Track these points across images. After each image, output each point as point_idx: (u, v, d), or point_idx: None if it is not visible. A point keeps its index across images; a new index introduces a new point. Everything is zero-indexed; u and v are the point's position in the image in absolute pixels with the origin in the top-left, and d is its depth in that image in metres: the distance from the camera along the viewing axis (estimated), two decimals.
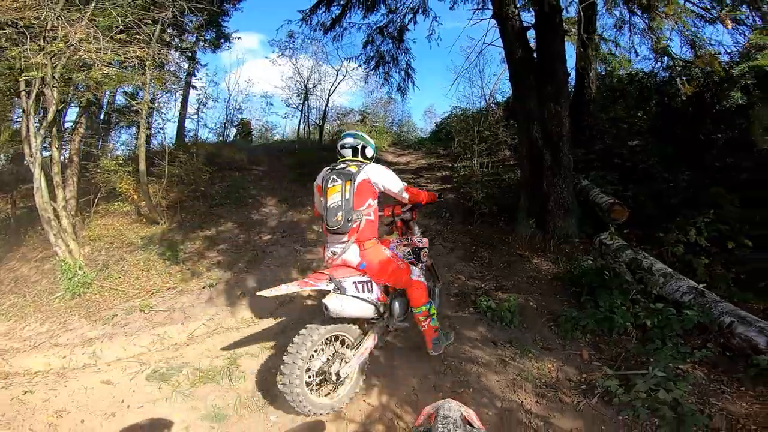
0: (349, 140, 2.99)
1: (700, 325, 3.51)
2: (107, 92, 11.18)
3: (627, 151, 7.04)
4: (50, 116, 5.69)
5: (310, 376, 2.53)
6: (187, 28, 12.88)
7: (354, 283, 2.68)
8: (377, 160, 3.22)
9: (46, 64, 5.13)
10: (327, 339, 2.64)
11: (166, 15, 7.46)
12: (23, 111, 5.59)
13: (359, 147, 2.98)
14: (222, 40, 14.51)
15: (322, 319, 2.64)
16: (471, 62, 8.21)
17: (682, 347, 3.27)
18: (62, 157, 7.86)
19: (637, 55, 7.95)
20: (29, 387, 3.14)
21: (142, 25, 5.92)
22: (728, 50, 6.57)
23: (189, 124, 14.45)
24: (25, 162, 10.04)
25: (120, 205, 8.34)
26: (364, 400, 2.92)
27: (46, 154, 6.57)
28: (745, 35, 5.92)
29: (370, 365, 3.05)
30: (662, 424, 2.54)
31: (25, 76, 5.11)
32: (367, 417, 2.77)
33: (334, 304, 2.55)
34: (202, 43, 14.47)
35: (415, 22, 8.53)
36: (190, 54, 12.68)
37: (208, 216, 8.04)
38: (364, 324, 2.94)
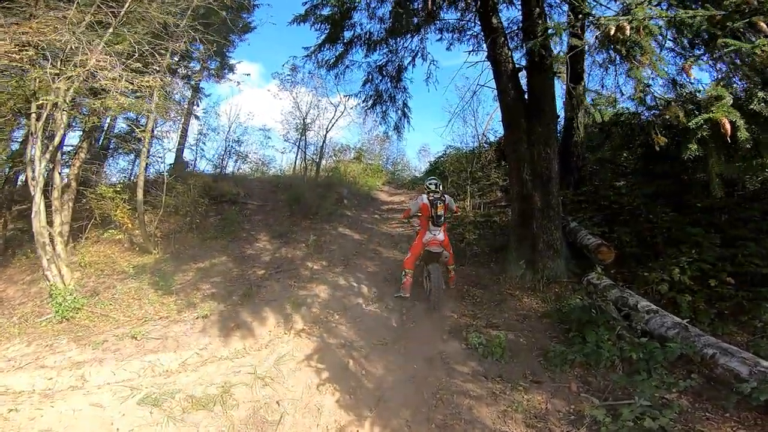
0: (435, 181, 5.73)
1: (684, 358, 3.63)
2: (107, 117, 11.52)
3: (613, 193, 7.34)
4: (56, 140, 5.81)
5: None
6: (194, 56, 13.48)
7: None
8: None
9: (59, 88, 5.31)
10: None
11: (179, 45, 7.88)
12: (31, 133, 5.64)
13: (440, 185, 5.73)
14: (226, 70, 14.81)
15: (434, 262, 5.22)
16: (466, 102, 8.67)
17: (668, 378, 3.37)
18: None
19: (623, 94, 8.45)
20: (14, 406, 3.09)
21: (156, 55, 6.21)
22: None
23: (188, 154, 14.67)
24: (18, 184, 10.13)
25: (112, 233, 8.37)
26: (357, 431, 2.93)
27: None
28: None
29: (363, 397, 3.09)
30: None
31: (43, 99, 5.22)
32: None
33: (445, 254, 5.36)
34: (206, 72, 14.98)
35: (414, 65, 9.03)
36: (194, 83, 13.14)
37: (201, 248, 8.09)
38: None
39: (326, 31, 8.26)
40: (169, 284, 5.86)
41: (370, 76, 9.57)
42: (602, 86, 9.28)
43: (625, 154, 8.97)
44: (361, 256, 7.46)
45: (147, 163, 13.51)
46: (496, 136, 13.34)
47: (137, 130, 7.99)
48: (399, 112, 9.52)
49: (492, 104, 15.43)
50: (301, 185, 11.45)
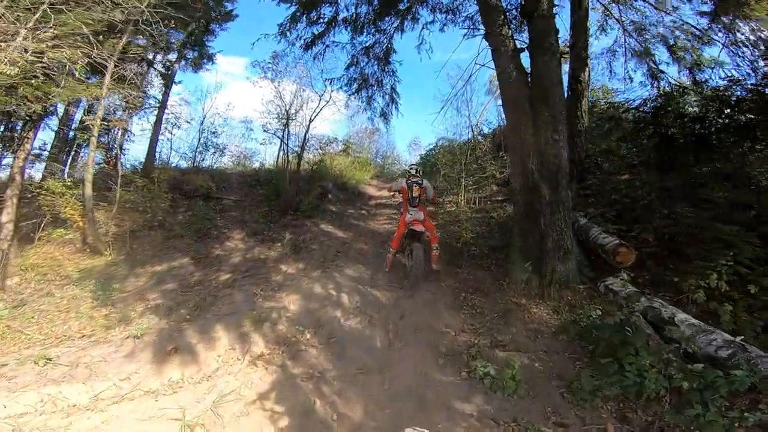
0: (415, 167, 6.00)
1: None
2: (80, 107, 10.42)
3: (625, 186, 6.51)
4: None
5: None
6: (171, 43, 12.48)
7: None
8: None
9: None
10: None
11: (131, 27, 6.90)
12: None
13: (420, 170, 5.97)
14: (204, 60, 13.76)
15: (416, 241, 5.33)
16: (459, 90, 7.78)
17: (729, 411, 2.65)
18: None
19: (632, 80, 7.68)
20: None
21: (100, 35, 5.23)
22: (728, 75, 6.39)
23: (164, 148, 13.67)
24: None
25: (61, 232, 7.31)
26: None
27: None
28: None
29: None
30: None
31: None
32: None
33: (426, 234, 5.45)
34: (183, 62, 14.06)
35: (402, 30, 8.02)
36: (164, 71, 12.07)
37: (163, 249, 7.10)
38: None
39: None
40: (108, 293, 4.89)
41: (355, 59, 8.65)
42: (611, 72, 8.50)
43: (630, 145, 8.18)
44: (344, 256, 6.53)
45: (114, 156, 12.58)
46: (490, 128, 12.52)
47: (85, 118, 6.98)
48: (386, 97, 8.60)
49: (485, 96, 14.59)
50: (282, 179, 10.44)
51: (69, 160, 12.35)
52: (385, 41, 8.49)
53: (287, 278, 5.47)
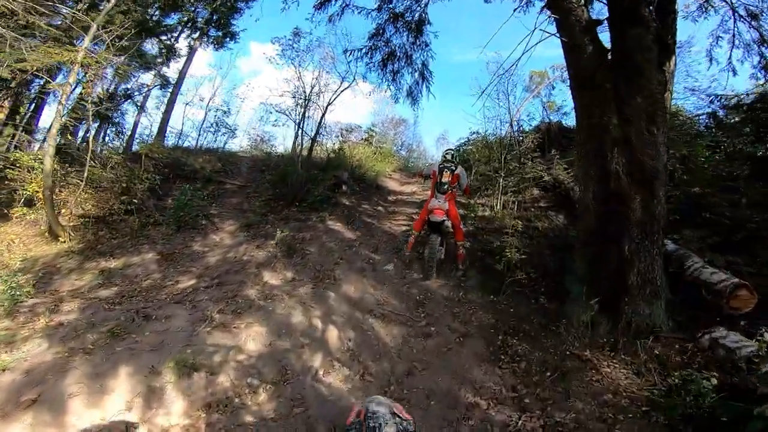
0: (451, 151, 5.52)
1: None
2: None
3: (728, 204, 4.82)
4: None
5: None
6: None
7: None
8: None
9: None
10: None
11: None
12: None
13: (456, 156, 5.56)
14: (227, 39, 13.46)
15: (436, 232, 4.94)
16: (506, 69, 6.22)
17: None
18: None
19: (735, 74, 5.93)
20: None
21: None
22: None
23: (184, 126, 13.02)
24: None
25: (25, 211, 6.24)
26: None
27: None
28: None
29: None
30: None
31: None
32: None
33: (446, 224, 4.98)
34: (204, 39, 13.29)
35: None
36: (166, 45, 11.04)
37: (133, 239, 5.91)
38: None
39: None
40: (16, 298, 3.64)
41: (381, 28, 7.16)
42: (710, 60, 6.66)
43: (720, 152, 6.39)
44: (346, 265, 5.15)
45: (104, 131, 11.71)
46: (531, 125, 10.70)
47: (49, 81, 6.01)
48: (416, 74, 7.09)
49: (522, 94, 12.76)
50: (294, 165, 9.13)
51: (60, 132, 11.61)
52: (418, 9, 7.01)
53: (264, 294, 4.13)
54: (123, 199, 6.43)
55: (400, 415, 1.49)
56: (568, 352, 3.51)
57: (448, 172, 5.12)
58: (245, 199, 8.68)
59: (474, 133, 10.32)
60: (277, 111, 9.93)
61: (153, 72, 12.93)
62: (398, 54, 7.00)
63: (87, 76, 7.17)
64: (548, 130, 9.85)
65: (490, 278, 4.66)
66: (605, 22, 4.37)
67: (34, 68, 5.93)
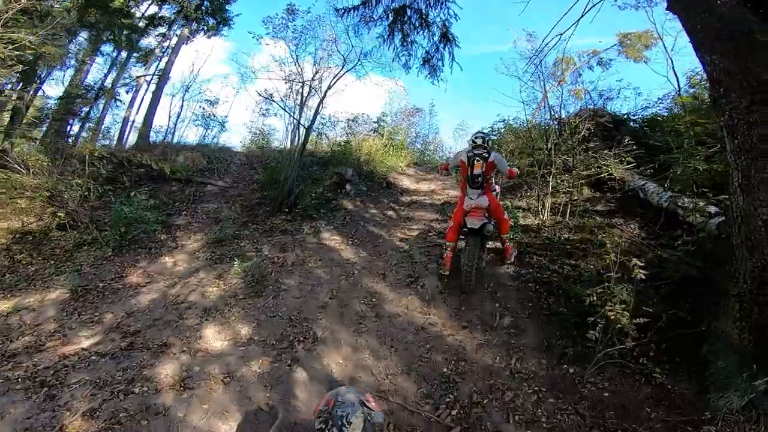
0: (481, 135, 4.21)
1: None
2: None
3: None
4: None
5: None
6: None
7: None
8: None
9: None
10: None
11: None
12: None
13: (487, 139, 4.22)
14: (221, 25, 12.51)
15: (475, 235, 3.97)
16: (549, 48, 4.36)
17: None
18: None
19: None
20: None
21: None
22: None
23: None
24: None
25: None
26: None
27: None
28: None
29: None
30: None
31: None
32: None
33: (488, 228, 3.96)
34: (193, 24, 12.14)
35: None
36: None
37: (61, 263, 4.39)
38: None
39: None
40: None
41: None
42: None
43: None
44: (337, 310, 3.47)
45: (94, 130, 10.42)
46: (568, 112, 8.60)
47: None
48: (434, 37, 5.30)
49: (548, 83, 10.69)
50: (288, 162, 7.48)
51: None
52: None
53: (187, 374, 2.48)
54: (51, 211, 4.89)
55: (368, 405, 1.47)
56: None
57: (480, 162, 4.03)
58: (226, 204, 7.10)
59: (499, 121, 8.41)
60: (263, 97, 8.27)
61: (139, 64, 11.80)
62: (409, 13, 5.23)
63: None
64: (595, 118, 7.85)
65: (554, 332, 2.89)
66: None
67: None
